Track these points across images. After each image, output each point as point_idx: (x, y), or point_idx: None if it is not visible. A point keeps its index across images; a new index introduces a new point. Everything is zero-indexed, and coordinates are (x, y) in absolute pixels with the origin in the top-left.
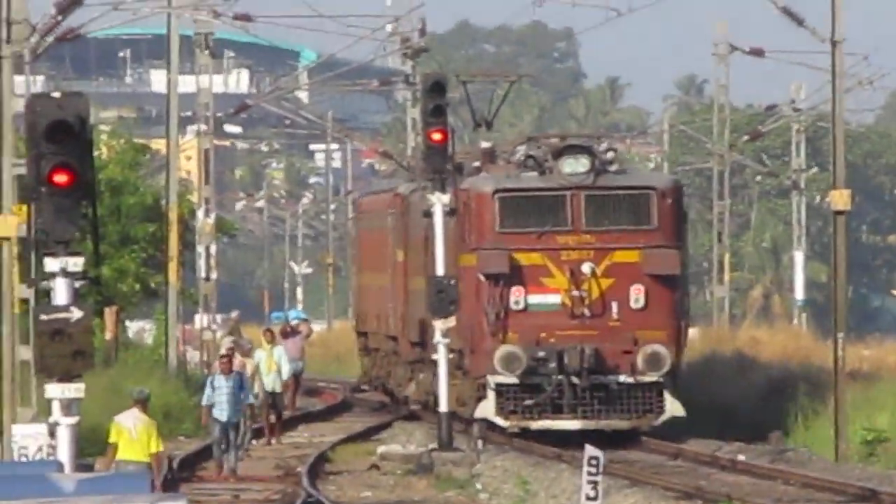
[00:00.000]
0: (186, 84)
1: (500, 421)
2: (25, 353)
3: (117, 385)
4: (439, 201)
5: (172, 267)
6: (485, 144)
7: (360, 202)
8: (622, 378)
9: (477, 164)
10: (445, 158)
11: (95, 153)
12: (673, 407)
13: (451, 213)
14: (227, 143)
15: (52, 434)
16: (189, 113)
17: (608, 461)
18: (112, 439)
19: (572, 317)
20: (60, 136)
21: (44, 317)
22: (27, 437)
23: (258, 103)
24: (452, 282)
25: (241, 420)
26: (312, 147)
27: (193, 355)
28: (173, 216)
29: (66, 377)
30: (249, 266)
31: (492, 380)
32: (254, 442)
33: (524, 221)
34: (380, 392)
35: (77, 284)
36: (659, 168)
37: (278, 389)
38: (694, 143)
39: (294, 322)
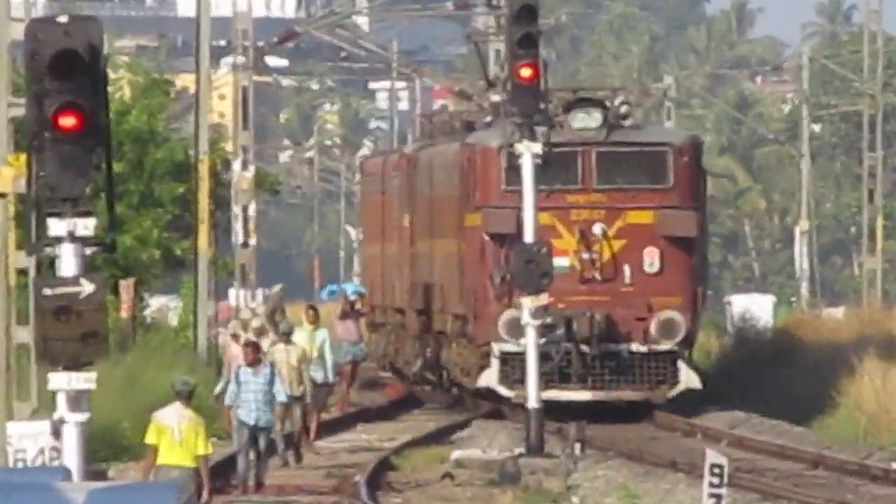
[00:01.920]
0: (220, 6)
1: (504, 391)
2: (24, 335)
3: (135, 375)
4: (529, 151)
5: (203, 231)
6: (494, 98)
7: (365, 165)
8: (634, 346)
9: (488, 119)
10: (537, 98)
11: (111, 90)
12: (688, 378)
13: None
14: (269, 79)
15: (56, 434)
16: (223, 42)
17: (732, 470)
18: (151, 440)
19: (582, 281)
20: (67, 70)
21: (47, 291)
22: (25, 438)
23: (308, 30)
24: (544, 249)
25: (272, 424)
26: (373, 85)
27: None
28: (204, 169)
29: (74, 365)
30: (296, 230)
31: (496, 347)
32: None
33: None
34: (389, 372)
35: (88, 251)
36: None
37: (323, 380)
38: (839, 82)
39: (352, 297)
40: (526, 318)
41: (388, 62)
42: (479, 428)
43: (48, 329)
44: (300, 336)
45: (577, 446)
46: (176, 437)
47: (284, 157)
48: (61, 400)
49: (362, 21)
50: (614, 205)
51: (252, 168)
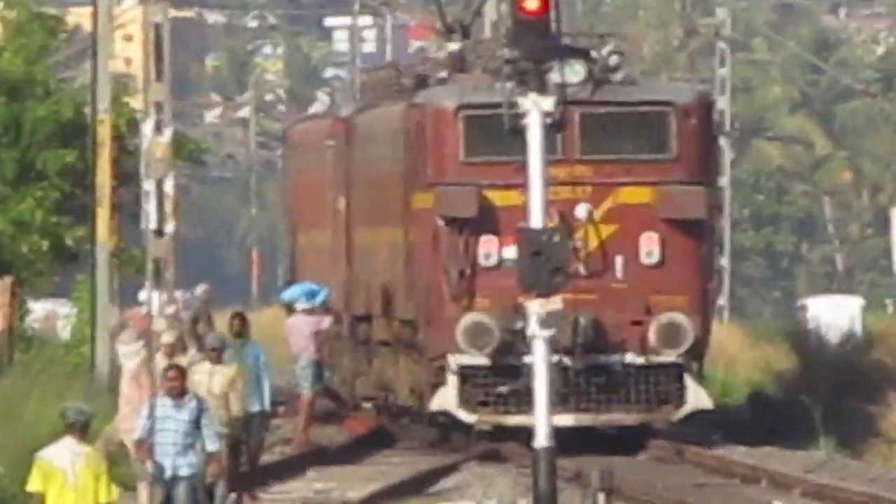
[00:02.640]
0: None
1: (464, 415)
2: None
3: (14, 403)
4: (536, 107)
5: (102, 214)
6: (452, 47)
7: (290, 133)
8: (629, 358)
9: (444, 74)
10: (547, 38)
11: None
12: (697, 397)
13: (553, 126)
14: (190, 13)
15: None
16: None
17: None
18: (36, 486)
19: None
20: None
21: None
22: None
23: None
24: (557, 237)
25: (198, 478)
26: (329, 22)
27: None
28: (104, 132)
29: None
30: (228, 212)
31: (453, 360)
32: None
33: (498, 148)
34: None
35: None
36: (892, 54)
37: (254, 408)
38: None
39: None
40: (533, 327)
41: None
42: (472, 473)
43: None
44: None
45: (602, 497)
46: (70, 482)
47: (212, 116)
48: None
49: None
50: (603, 180)
51: (169, 131)
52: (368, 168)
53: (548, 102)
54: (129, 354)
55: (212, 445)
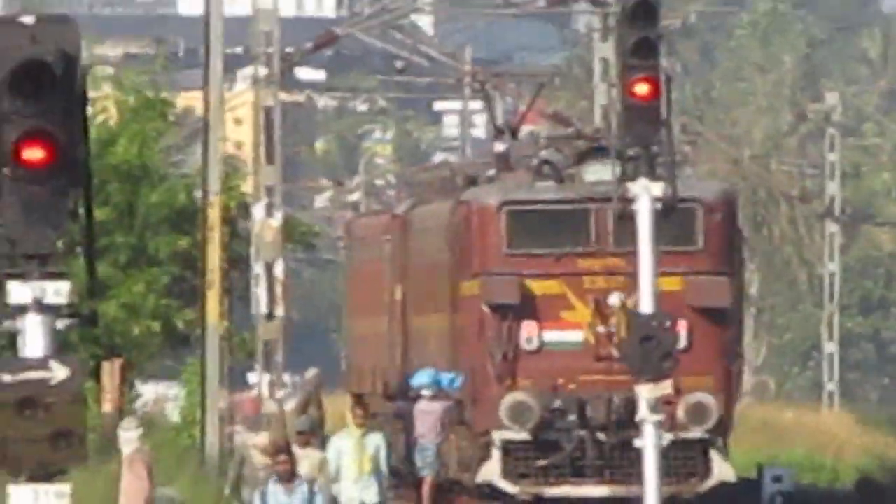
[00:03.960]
0: (235, 2)
1: (507, 486)
2: None
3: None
4: (646, 192)
5: (213, 297)
6: (498, 147)
7: (350, 227)
8: None
9: (492, 172)
10: (656, 123)
11: (92, 113)
12: (722, 470)
13: (665, 212)
14: (301, 97)
15: None
16: (240, 49)
17: None
18: None
19: (598, 359)
20: (34, 86)
21: (6, 377)
22: None
23: (352, 33)
24: (668, 323)
25: None
26: (439, 106)
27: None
28: (214, 215)
29: (42, 475)
30: (338, 296)
31: (497, 436)
32: None
33: (538, 241)
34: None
35: (60, 325)
36: None
37: (370, 501)
38: None
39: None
40: (643, 412)
41: (460, 75)
42: None
43: (7, 427)
44: (344, 443)
45: None
46: None
47: (322, 200)
48: None
49: (424, 21)
50: (634, 270)
51: (279, 214)
52: (421, 259)
53: (657, 188)
54: (128, 441)
55: None
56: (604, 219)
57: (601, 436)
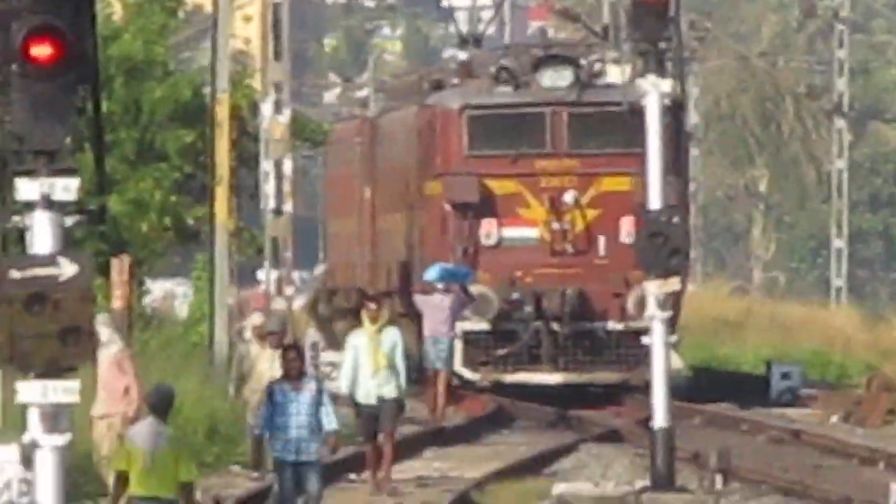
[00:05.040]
0: None
1: (468, 373)
2: None
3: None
4: (656, 89)
5: (221, 193)
6: (461, 56)
7: (329, 131)
8: (610, 325)
9: (456, 80)
10: (664, 20)
11: (100, 9)
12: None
13: (672, 108)
14: None
15: (26, 462)
16: None
17: None
18: (119, 466)
19: (553, 253)
20: None
21: (15, 274)
22: None
23: None
24: (676, 218)
25: (320, 457)
26: (448, 2)
27: None
28: (223, 112)
29: (52, 371)
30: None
31: (459, 326)
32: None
33: (497, 143)
34: None
35: (68, 221)
36: None
37: (390, 394)
38: None
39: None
40: (652, 308)
41: None
42: (589, 454)
43: (17, 324)
44: (359, 340)
45: (719, 478)
46: (149, 463)
47: (330, 96)
48: (34, 417)
49: None
50: (587, 170)
51: (287, 112)
52: (389, 161)
53: (666, 84)
54: (109, 339)
55: (330, 424)
56: (559, 122)
57: (556, 326)
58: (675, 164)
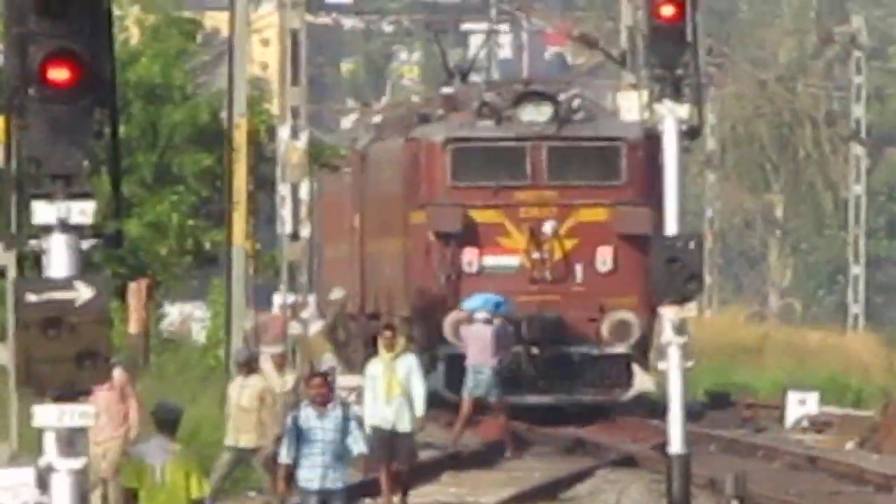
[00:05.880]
0: None
1: (449, 395)
2: (0, 354)
3: (148, 406)
4: (672, 114)
5: (238, 217)
6: (446, 90)
7: None
8: (586, 349)
9: (440, 113)
10: (682, 45)
11: (117, 33)
12: (642, 381)
13: (689, 133)
14: (327, 20)
15: (42, 485)
16: None
17: None
18: (129, 483)
19: (532, 281)
20: (60, 6)
21: (32, 297)
22: (3, 490)
23: None
24: (692, 244)
25: (343, 488)
26: (466, 27)
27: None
28: (240, 137)
29: (68, 394)
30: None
31: (441, 351)
32: None
33: (479, 175)
34: None
35: (85, 245)
36: None
37: (404, 429)
38: None
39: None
40: (668, 334)
41: None
42: (605, 480)
43: (33, 347)
44: (375, 368)
45: None
46: (159, 479)
47: (348, 121)
48: (50, 441)
49: None
50: (566, 202)
51: (305, 136)
52: (377, 191)
53: (683, 109)
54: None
55: (358, 448)
56: (538, 155)
57: (535, 350)
58: (649, 196)
